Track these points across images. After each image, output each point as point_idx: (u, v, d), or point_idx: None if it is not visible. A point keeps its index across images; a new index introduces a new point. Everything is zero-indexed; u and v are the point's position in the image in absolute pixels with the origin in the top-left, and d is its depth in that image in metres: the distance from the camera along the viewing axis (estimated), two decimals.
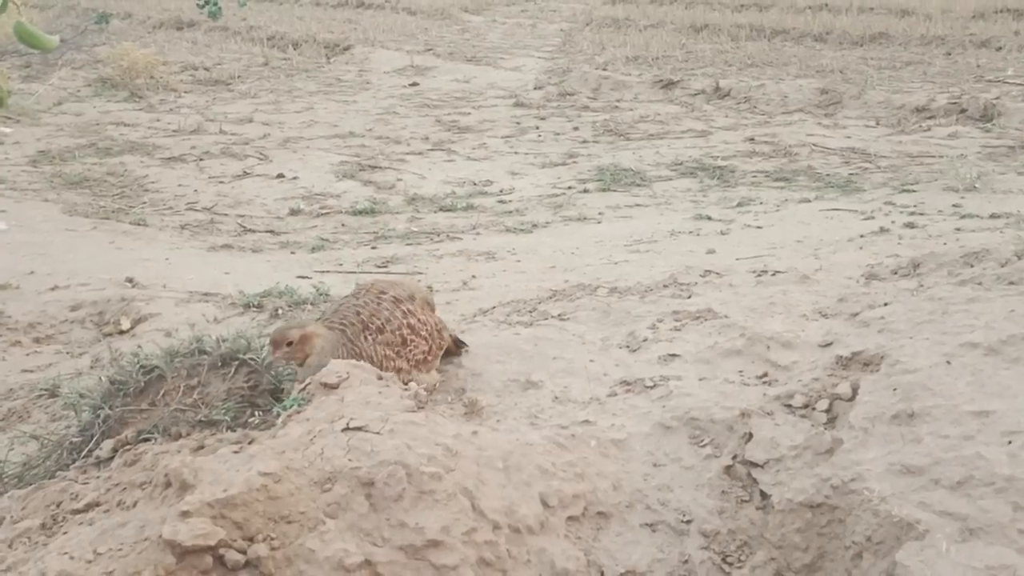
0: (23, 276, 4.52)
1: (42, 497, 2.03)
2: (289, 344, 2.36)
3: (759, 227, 5.17)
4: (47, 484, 2.10)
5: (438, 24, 17.43)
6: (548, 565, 1.78)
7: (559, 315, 3.06)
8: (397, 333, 2.50)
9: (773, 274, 3.25)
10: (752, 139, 8.07)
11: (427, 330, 2.59)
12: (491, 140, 8.62)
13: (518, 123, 9.32)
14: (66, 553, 1.54)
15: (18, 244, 5.13)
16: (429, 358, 2.59)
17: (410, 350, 2.51)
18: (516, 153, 8.10)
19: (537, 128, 9.05)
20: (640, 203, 6.39)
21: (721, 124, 8.87)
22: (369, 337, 2.46)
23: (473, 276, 4.48)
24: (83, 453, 2.30)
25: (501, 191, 6.89)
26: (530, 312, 3.23)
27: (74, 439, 2.38)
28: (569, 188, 6.89)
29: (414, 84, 11.60)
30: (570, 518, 1.90)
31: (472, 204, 6.49)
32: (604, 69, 11.74)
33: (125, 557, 1.50)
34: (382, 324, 2.49)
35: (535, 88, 11.00)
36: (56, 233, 5.53)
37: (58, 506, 2.00)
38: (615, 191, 6.73)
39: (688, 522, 1.95)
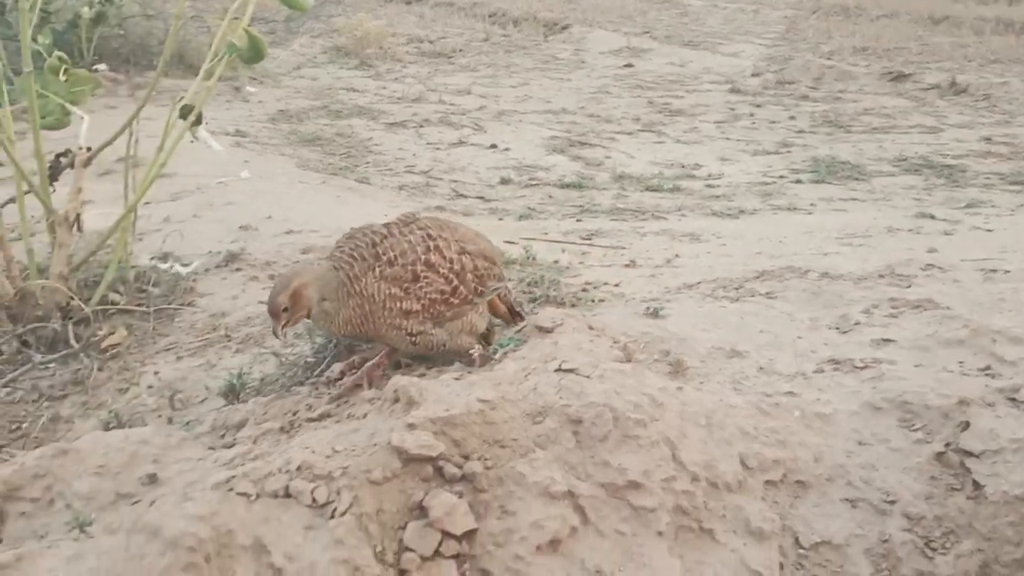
0: (262, 220, 4.94)
1: (281, 405, 2.27)
2: (285, 311, 2.24)
3: (989, 230, 4.84)
4: (286, 395, 2.34)
5: (658, 6, 17.29)
6: (743, 522, 1.81)
7: (766, 293, 3.03)
8: (409, 268, 2.29)
9: (1005, 273, 3.06)
10: (989, 139, 7.53)
11: (451, 268, 2.34)
12: (703, 124, 8.52)
13: (732, 109, 9.15)
14: (307, 448, 1.73)
15: (258, 192, 5.61)
16: (454, 301, 2.33)
17: (421, 287, 2.29)
18: (727, 139, 7.97)
19: (751, 115, 8.85)
20: (856, 197, 6.14)
21: (954, 121, 8.32)
22: (377, 270, 2.27)
23: (676, 255, 4.48)
24: (315, 372, 2.54)
25: (709, 175, 6.82)
26: (736, 289, 3.22)
27: (308, 359, 2.63)
28: (781, 177, 6.72)
29: (629, 65, 11.60)
30: (768, 482, 1.92)
31: (679, 186, 6.46)
32: (828, 58, 11.27)
33: (358, 456, 1.67)
34: (393, 256, 2.30)
35: (753, 75, 10.73)
36: (290, 184, 6.00)
37: (295, 414, 2.22)
38: (830, 183, 6.49)
39: (891, 503, 1.91)
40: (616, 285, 3.64)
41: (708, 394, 2.10)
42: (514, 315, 2.58)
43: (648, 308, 2.90)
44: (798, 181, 6.56)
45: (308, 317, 2.31)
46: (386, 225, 2.43)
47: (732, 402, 2.08)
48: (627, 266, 4.12)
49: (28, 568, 1.40)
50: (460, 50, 12.41)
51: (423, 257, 2.30)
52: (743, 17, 16.24)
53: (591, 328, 2.25)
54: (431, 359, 2.44)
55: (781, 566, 1.85)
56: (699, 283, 3.51)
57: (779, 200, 6.07)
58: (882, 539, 1.86)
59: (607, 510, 1.73)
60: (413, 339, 2.29)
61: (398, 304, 2.27)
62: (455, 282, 2.33)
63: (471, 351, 2.36)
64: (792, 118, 8.68)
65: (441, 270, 2.32)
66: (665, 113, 9.01)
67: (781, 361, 2.44)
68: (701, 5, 17.83)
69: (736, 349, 2.51)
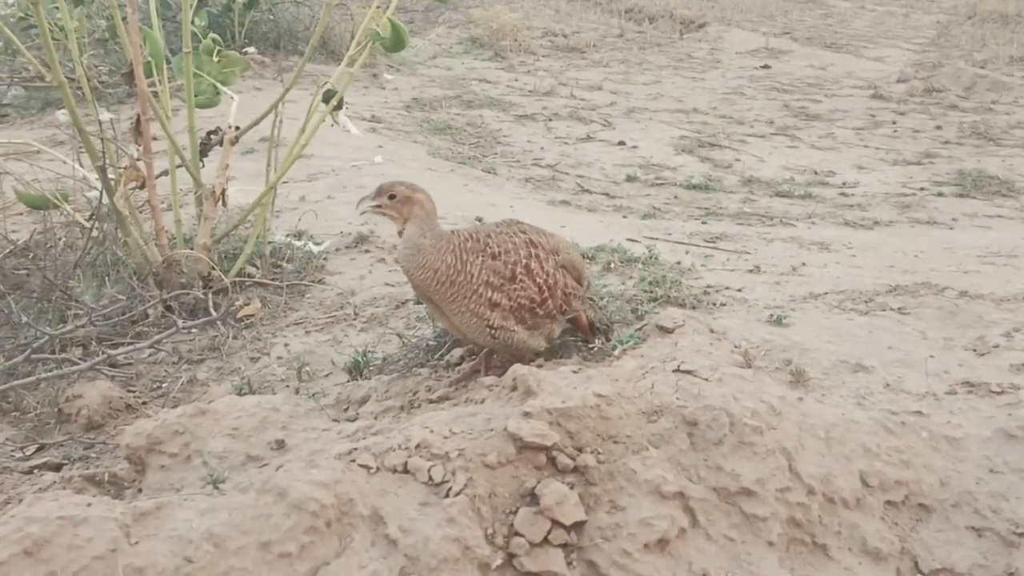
0: None
1: (402, 385, 2.34)
2: (392, 197, 2.31)
3: None
4: (407, 375, 2.41)
5: (800, 6, 16.79)
6: (859, 541, 1.76)
7: (898, 309, 2.93)
8: (510, 266, 2.33)
9: None
10: None
11: (546, 281, 2.37)
12: (840, 131, 8.24)
13: (873, 116, 8.81)
14: (426, 427, 1.78)
15: (390, 176, 5.77)
16: (539, 312, 2.35)
17: (515, 289, 2.31)
18: (866, 147, 7.69)
19: (894, 123, 8.50)
20: (1003, 214, 5.82)
21: None
22: (479, 258, 2.31)
23: (803, 263, 4.37)
24: (436, 355, 2.61)
25: (844, 184, 6.60)
26: (866, 302, 3.12)
27: (430, 343, 2.71)
28: (921, 189, 6.44)
29: (766, 67, 11.33)
30: (888, 502, 1.86)
31: (810, 193, 6.28)
32: (981, 67, 10.71)
33: (474, 440, 1.72)
34: (498, 251, 2.34)
35: (898, 81, 10.30)
36: (421, 171, 6.14)
37: (415, 394, 2.29)
38: (974, 198, 6.18)
39: (1021, 535, 1.82)
40: (739, 290, 3.58)
41: (829, 407, 2.05)
42: (594, 331, 2.58)
43: (771, 315, 2.85)
44: (940, 194, 6.27)
45: (402, 227, 2.37)
46: (495, 224, 2.51)
47: (855, 417, 2.02)
48: (751, 272, 4.04)
49: (167, 517, 1.50)
50: (594, 45, 12.38)
51: (524, 261, 2.36)
52: (892, 20, 15.60)
53: (712, 331, 2.23)
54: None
55: None
56: (826, 293, 3.42)
57: (918, 213, 5.82)
58: (1008, 571, 1.78)
59: (717, 515, 1.72)
60: (494, 331, 2.29)
61: (490, 293, 2.28)
62: (546, 294, 2.37)
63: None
64: (938, 128, 8.30)
65: (537, 279, 2.36)
66: (801, 117, 8.77)
67: (910, 380, 2.36)
68: (848, 6, 17.21)
69: (862, 364, 2.43)
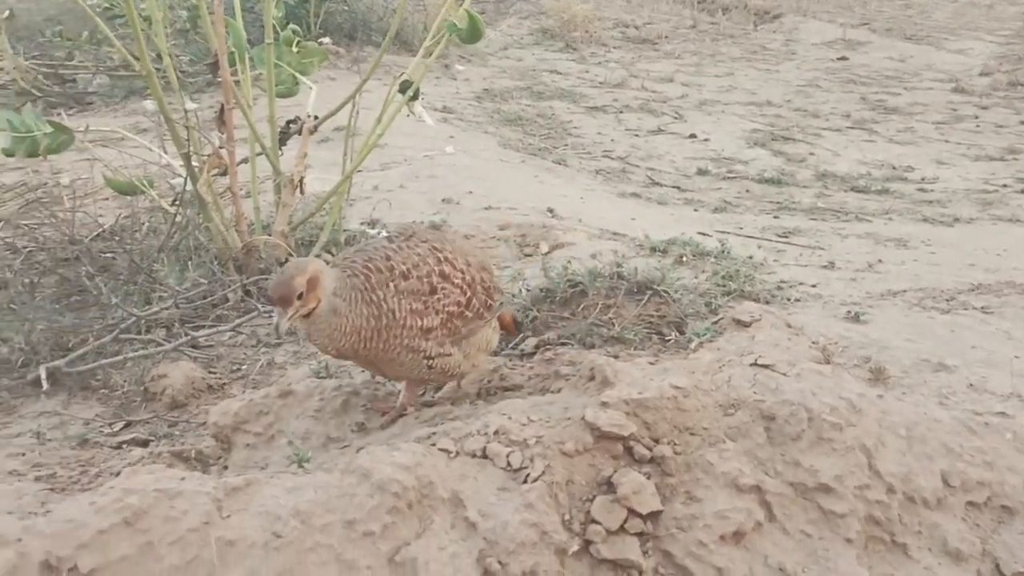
0: (463, 194, 5.12)
1: (478, 374, 2.38)
2: (300, 297, 1.95)
3: None
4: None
5: None
6: (939, 541, 1.74)
7: (982, 308, 2.86)
8: (425, 280, 2.13)
9: None
10: None
11: (463, 279, 2.20)
12: (919, 124, 8.04)
13: (954, 110, 8.57)
14: (504, 414, 1.81)
15: (461, 167, 5.82)
16: (468, 314, 2.19)
17: (439, 299, 2.13)
18: (946, 141, 7.49)
19: (976, 117, 8.26)
20: None
21: None
22: (392, 285, 2.08)
23: (880, 260, 4.29)
24: (510, 345, 2.64)
25: (923, 179, 6.44)
26: (947, 300, 3.05)
27: None
28: (1004, 186, 6.25)
29: (842, 58, 11.09)
30: (970, 503, 1.83)
31: (887, 188, 6.15)
32: None
33: (552, 428, 1.74)
34: (408, 269, 2.12)
35: (981, 74, 9.99)
36: (491, 161, 6.18)
37: (489, 382, 2.33)
38: None
39: None
40: (813, 286, 3.53)
41: (910, 405, 2.02)
42: (518, 327, 2.46)
43: (849, 312, 2.81)
44: None
45: (307, 316, 2.04)
46: (389, 238, 2.30)
47: (936, 416, 1.99)
48: (825, 267, 3.98)
49: (255, 493, 1.55)
50: (666, 37, 12.27)
51: (436, 268, 2.17)
52: (975, 12, 15.11)
53: (789, 326, 2.21)
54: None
55: None
56: (905, 291, 3.35)
57: (1001, 210, 5.65)
58: None
59: (794, 509, 1.71)
60: (431, 363, 2.11)
61: (419, 321, 2.10)
62: (468, 293, 2.21)
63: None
64: (1023, 123, 8.03)
65: (455, 280, 2.19)
66: (878, 110, 8.57)
67: (994, 380, 2.31)
68: None
69: (944, 363, 2.39)
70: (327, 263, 2.09)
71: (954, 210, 5.64)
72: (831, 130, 7.80)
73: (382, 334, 2.04)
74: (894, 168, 6.70)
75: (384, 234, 4.29)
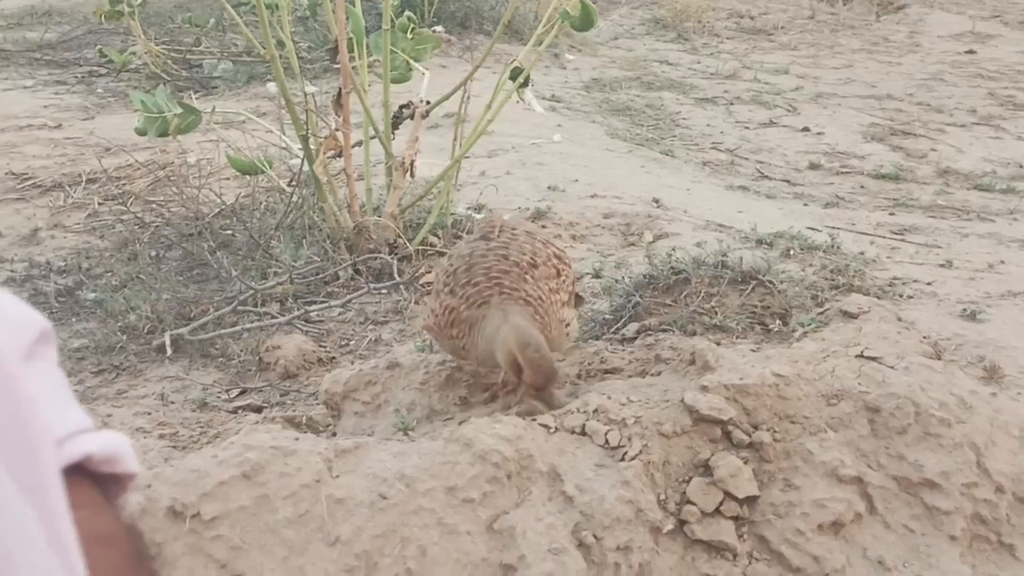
0: (569, 182, 5.16)
1: (578, 355, 2.41)
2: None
3: None
4: (582, 346, 2.48)
5: None
6: None
7: None
8: (550, 264, 2.08)
9: None
10: None
11: (565, 256, 2.16)
12: None
13: None
14: (604, 394, 1.84)
15: (567, 155, 5.85)
16: (572, 290, 2.18)
17: (563, 281, 2.11)
18: None
19: None
20: None
21: None
22: (530, 277, 2.02)
23: (1002, 261, 4.11)
24: (611, 329, 2.66)
25: None
26: None
27: (607, 316, 2.76)
28: None
29: (970, 52, 10.60)
30: None
31: (1014, 187, 5.87)
32: None
33: (651, 409, 1.76)
34: (533, 258, 2.06)
35: None
36: (598, 150, 6.19)
37: (588, 364, 2.35)
38: None
39: None
40: (928, 284, 3.42)
41: None
42: (579, 300, 2.39)
43: (964, 310, 2.72)
44: None
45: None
46: (484, 238, 2.17)
47: None
48: (942, 266, 3.85)
49: (364, 456, 1.63)
50: (781, 27, 11.97)
51: (549, 251, 2.13)
52: None
53: (900, 320, 2.16)
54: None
55: None
56: None
57: None
58: None
59: (897, 503, 1.68)
60: (568, 330, 2.12)
61: (556, 297, 2.06)
62: (570, 267, 2.20)
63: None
64: None
65: (566, 259, 2.18)
66: (1008, 106, 8.17)
67: None
68: None
69: None
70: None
71: None
72: (955, 126, 7.49)
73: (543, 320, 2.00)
74: (1022, 167, 6.39)
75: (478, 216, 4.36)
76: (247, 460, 1.57)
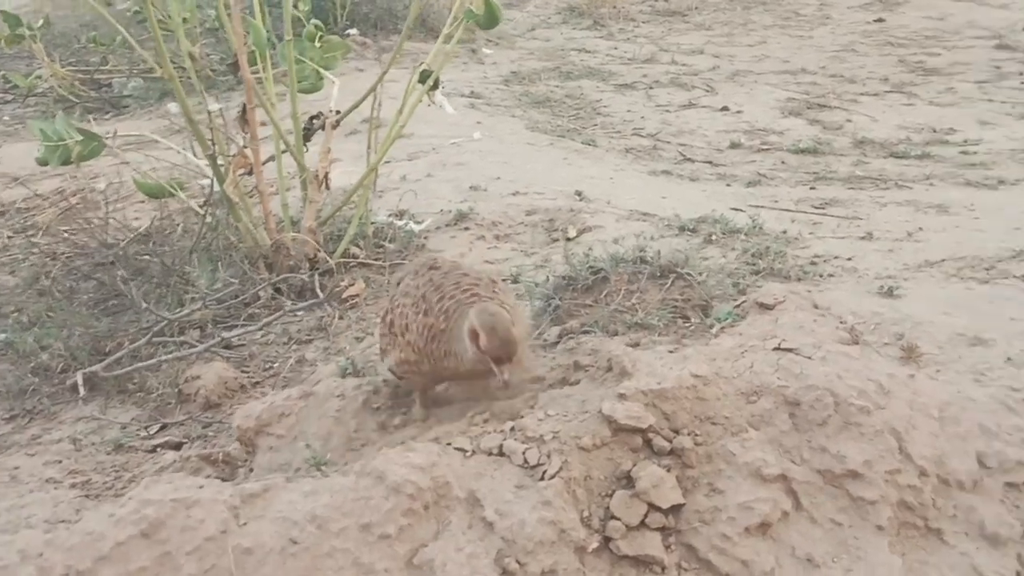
0: (491, 180, 5.09)
1: None
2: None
3: None
4: None
5: None
6: (976, 525, 1.69)
7: (1022, 276, 2.76)
8: (501, 283, 2.15)
9: None
10: None
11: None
12: (961, 85, 7.79)
13: (998, 68, 8.29)
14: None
15: (488, 152, 5.78)
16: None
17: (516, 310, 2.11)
18: (990, 101, 7.25)
19: (1021, 74, 7.99)
20: None
21: None
22: (497, 290, 2.07)
23: (920, 228, 4.17)
24: (533, 334, 2.61)
25: (965, 141, 6.24)
26: (987, 270, 2.95)
27: (527, 321, 2.70)
28: None
29: (879, 20, 10.79)
30: (1009, 484, 1.77)
31: (928, 152, 5.97)
32: None
33: (569, 422, 1.71)
34: (489, 275, 2.14)
35: None
36: (519, 146, 6.13)
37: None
38: None
39: None
40: (848, 259, 3.44)
41: (944, 384, 1.96)
42: None
43: (882, 286, 2.73)
44: None
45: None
46: (436, 269, 2.17)
47: (972, 395, 1.92)
48: (863, 239, 3.88)
49: (273, 499, 1.55)
50: (695, 8, 12.04)
51: (487, 277, 2.17)
52: None
53: (815, 307, 2.15)
54: None
55: (1018, 575, 1.71)
56: (943, 261, 3.25)
57: None
58: None
59: (822, 498, 1.67)
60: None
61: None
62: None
63: None
64: None
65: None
66: (918, 73, 8.33)
67: None
68: None
69: (981, 336, 2.31)
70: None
71: (999, 172, 5.46)
72: (869, 95, 7.60)
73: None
74: (935, 131, 6.51)
75: (412, 225, 4.28)
76: (145, 517, 1.48)
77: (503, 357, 1.84)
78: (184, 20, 4.24)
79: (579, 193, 4.81)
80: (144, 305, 3.47)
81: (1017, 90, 7.47)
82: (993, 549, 1.68)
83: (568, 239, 4.10)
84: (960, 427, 1.81)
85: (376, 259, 3.94)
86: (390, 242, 4.09)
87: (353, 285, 3.75)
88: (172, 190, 3.95)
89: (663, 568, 1.57)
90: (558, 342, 2.46)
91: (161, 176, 4.23)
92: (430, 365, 2.01)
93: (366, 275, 3.85)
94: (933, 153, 5.93)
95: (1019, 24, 9.86)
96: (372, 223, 4.08)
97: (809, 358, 1.83)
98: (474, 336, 1.86)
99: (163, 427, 3.00)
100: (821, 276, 3.08)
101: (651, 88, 8.07)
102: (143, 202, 5.07)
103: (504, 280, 2.17)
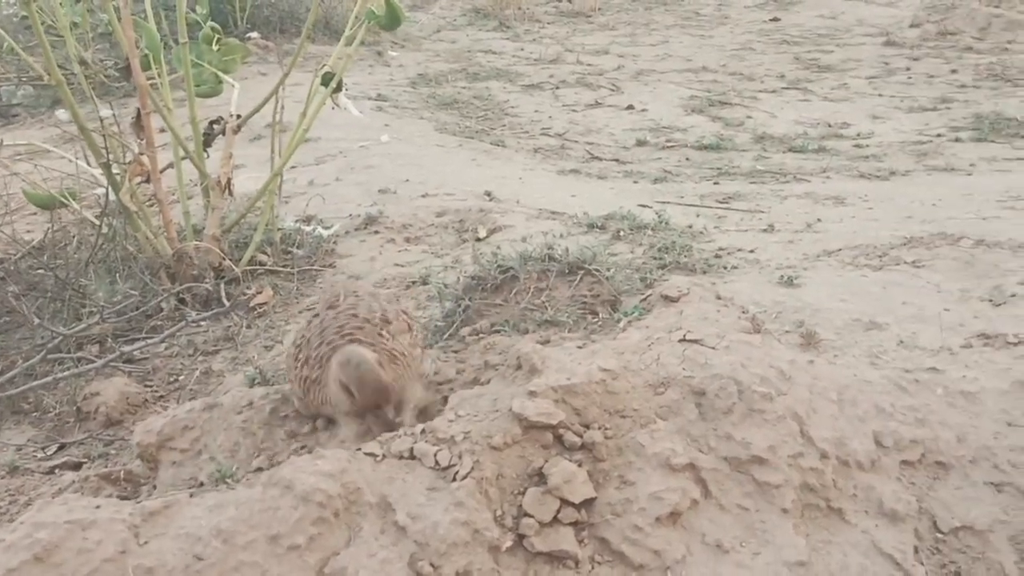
0: (400, 183, 5.05)
1: None
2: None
3: None
4: None
5: None
6: (875, 503, 1.74)
7: (913, 262, 2.87)
8: (402, 319, 2.10)
9: None
10: None
11: (412, 313, 2.25)
12: (853, 80, 8.10)
13: (886, 63, 8.65)
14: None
15: (397, 154, 5.73)
16: (423, 345, 2.25)
17: (415, 335, 2.14)
18: (880, 95, 7.55)
19: (908, 69, 8.35)
20: (1023, 156, 5.71)
21: None
22: (386, 332, 2.00)
23: (819, 219, 4.31)
24: (445, 335, 2.60)
25: (858, 135, 6.49)
26: (880, 257, 3.07)
27: (438, 323, 2.69)
28: (938, 136, 6.32)
29: (775, 19, 11.14)
30: (904, 462, 1.83)
31: (824, 146, 6.19)
32: (997, 6, 10.46)
33: (480, 422, 1.71)
34: (384, 315, 2.05)
35: (911, 26, 10.09)
36: (428, 147, 6.11)
37: (423, 376, 2.28)
38: (993, 142, 6.06)
39: None
40: (751, 251, 3.53)
41: (842, 368, 2.02)
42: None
43: (782, 276, 2.81)
44: (957, 140, 6.15)
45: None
46: (332, 309, 2.14)
47: (868, 377, 1.99)
48: (764, 231, 3.99)
49: (175, 515, 1.50)
50: (599, 8, 12.22)
51: (392, 307, 2.17)
52: None
53: (719, 298, 2.19)
54: None
55: (916, 550, 1.77)
56: (840, 250, 3.36)
57: (935, 160, 5.72)
58: None
59: (730, 484, 1.70)
60: (427, 376, 2.21)
61: (416, 352, 2.08)
62: (415, 324, 2.24)
63: None
64: (953, 72, 8.13)
65: (411, 313, 2.26)
66: (812, 69, 8.62)
67: (925, 335, 2.32)
68: None
69: (875, 321, 2.39)
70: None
71: (890, 163, 5.69)
72: (767, 92, 7.83)
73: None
74: (830, 126, 6.74)
75: (320, 230, 4.21)
76: (38, 541, 1.41)
77: (380, 403, 1.81)
78: (74, 25, 4.09)
79: (489, 193, 4.82)
80: (37, 321, 3.32)
81: (904, 84, 7.80)
82: (892, 526, 1.74)
83: (478, 239, 4.10)
84: (858, 409, 1.87)
85: (284, 266, 3.87)
86: (298, 248, 4.02)
87: (261, 293, 3.67)
88: (64, 200, 3.80)
89: (577, 563, 1.58)
90: (469, 343, 2.45)
91: (53, 186, 4.07)
92: (317, 410, 1.98)
93: (274, 282, 3.77)
94: (829, 147, 6.15)
95: (905, 21, 10.31)
96: (279, 229, 4.00)
97: (713, 348, 1.87)
98: (344, 387, 1.83)
99: (61, 447, 2.88)
100: (725, 268, 3.15)
101: (558, 88, 8.14)
102: (35, 214, 4.87)
103: (405, 314, 2.14)
